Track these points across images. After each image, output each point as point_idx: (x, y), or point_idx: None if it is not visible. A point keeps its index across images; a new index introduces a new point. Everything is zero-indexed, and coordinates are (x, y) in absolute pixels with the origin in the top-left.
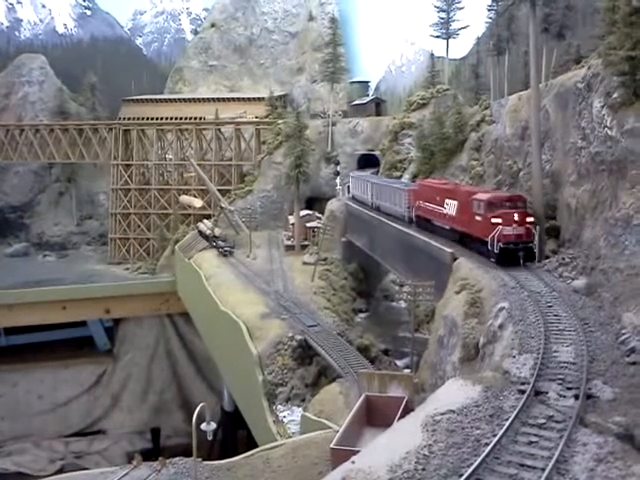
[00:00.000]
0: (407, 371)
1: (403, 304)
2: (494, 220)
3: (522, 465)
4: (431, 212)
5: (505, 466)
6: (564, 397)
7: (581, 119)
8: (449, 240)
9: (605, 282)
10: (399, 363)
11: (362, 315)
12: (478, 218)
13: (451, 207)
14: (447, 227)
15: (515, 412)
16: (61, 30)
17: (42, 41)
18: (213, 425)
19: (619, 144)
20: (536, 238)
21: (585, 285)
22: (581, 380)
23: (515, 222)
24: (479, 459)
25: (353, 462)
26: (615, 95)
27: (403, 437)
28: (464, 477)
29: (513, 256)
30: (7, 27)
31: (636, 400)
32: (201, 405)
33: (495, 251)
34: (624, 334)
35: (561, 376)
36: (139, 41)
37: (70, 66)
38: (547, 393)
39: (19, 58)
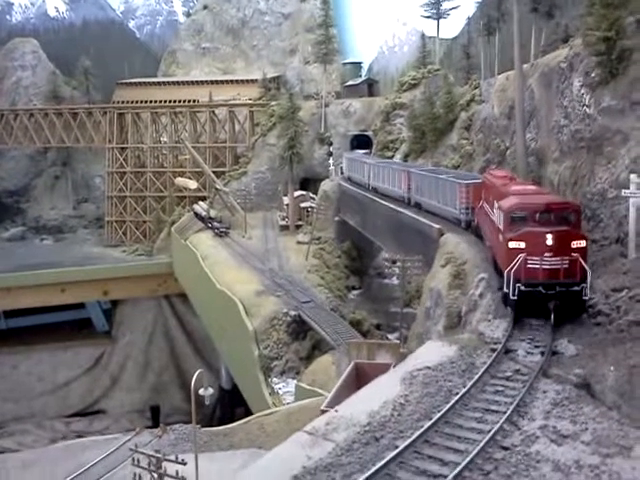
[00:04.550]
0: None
1: (395, 281)
2: (512, 244)
3: (487, 409)
4: (483, 218)
5: (472, 411)
6: (531, 354)
7: (563, 98)
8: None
9: None
10: (390, 337)
11: (355, 292)
12: (500, 237)
13: (496, 213)
14: (488, 243)
15: (485, 367)
16: (53, 14)
17: (34, 25)
18: (210, 390)
19: (596, 122)
20: (588, 276)
21: None
22: (548, 340)
23: (548, 248)
24: (448, 405)
25: (336, 411)
26: (593, 74)
27: (382, 390)
28: (434, 419)
29: (541, 306)
30: None
31: (595, 355)
32: (199, 371)
33: (512, 295)
34: (592, 298)
35: (530, 337)
36: (131, 24)
37: (63, 50)
38: (516, 351)
39: (11, 42)
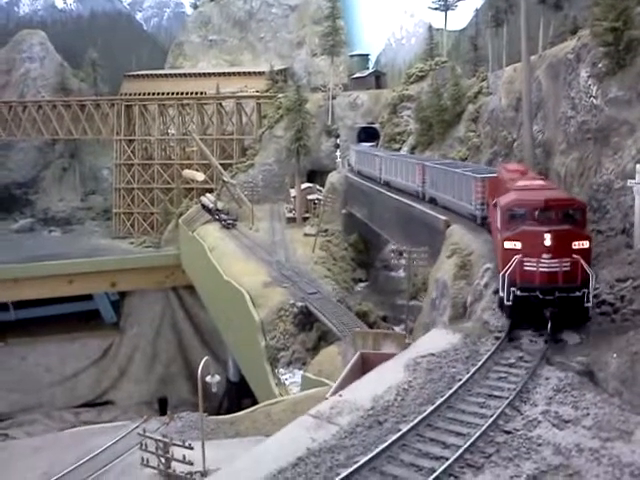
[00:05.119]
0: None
1: (402, 274)
2: (508, 244)
3: (490, 395)
4: (493, 214)
5: (475, 396)
6: (535, 342)
7: (571, 89)
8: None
9: None
10: (396, 329)
11: (362, 284)
12: (498, 236)
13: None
14: (493, 243)
15: (489, 354)
16: (60, 5)
17: (41, 17)
18: (217, 377)
19: (603, 113)
20: (592, 281)
21: None
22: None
23: (547, 249)
24: (451, 391)
25: (340, 395)
26: (600, 65)
27: (387, 375)
28: (437, 404)
29: (538, 313)
30: (6, 3)
31: (599, 344)
32: (205, 359)
33: (506, 300)
34: (597, 288)
35: (535, 325)
36: (139, 16)
37: (70, 42)
38: (520, 339)
39: (19, 34)
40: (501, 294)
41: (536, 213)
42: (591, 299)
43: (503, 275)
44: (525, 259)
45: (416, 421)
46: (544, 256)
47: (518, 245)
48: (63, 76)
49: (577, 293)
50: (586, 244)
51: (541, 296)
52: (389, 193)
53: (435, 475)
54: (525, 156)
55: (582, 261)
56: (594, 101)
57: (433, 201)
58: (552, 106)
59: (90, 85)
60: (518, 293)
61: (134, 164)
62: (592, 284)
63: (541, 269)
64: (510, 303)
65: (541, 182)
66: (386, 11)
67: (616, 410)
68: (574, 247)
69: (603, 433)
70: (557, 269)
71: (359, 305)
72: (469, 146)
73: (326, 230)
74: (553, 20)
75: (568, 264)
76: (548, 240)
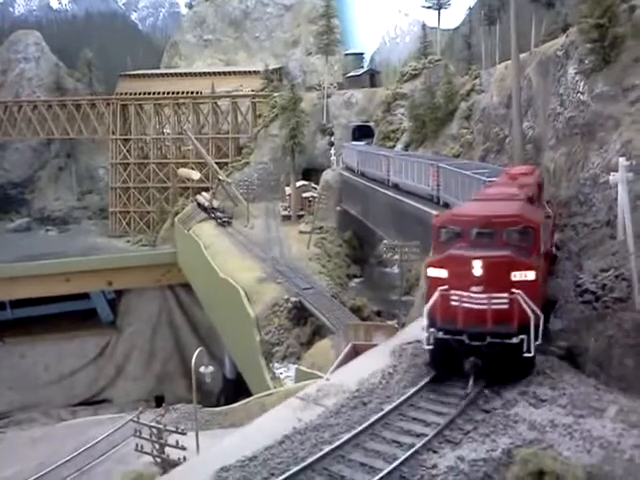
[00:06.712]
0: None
1: (396, 270)
2: (432, 272)
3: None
4: None
5: (457, 379)
6: None
7: (559, 86)
8: None
9: (574, 236)
10: (390, 323)
11: (356, 280)
12: None
13: None
14: None
15: None
16: (55, 6)
17: (37, 17)
18: (211, 368)
19: (589, 108)
20: (533, 324)
21: (557, 240)
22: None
23: (477, 281)
24: (434, 373)
25: (327, 379)
26: (587, 61)
27: (373, 361)
28: (419, 385)
29: (460, 362)
30: (1, 3)
31: (579, 330)
32: (199, 349)
33: (426, 344)
34: (581, 278)
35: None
36: (134, 16)
37: (66, 42)
38: None
39: (14, 34)
40: (424, 334)
41: (473, 233)
42: (533, 348)
43: (426, 310)
44: (451, 292)
45: (399, 401)
46: (473, 289)
47: (443, 273)
48: (58, 76)
49: (514, 340)
50: (530, 275)
51: (468, 341)
52: (382, 190)
53: (414, 449)
54: (514, 152)
55: (522, 298)
56: (581, 97)
57: (447, 206)
58: (542, 102)
59: (86, 85)
60: (439, 335)
61: (130, 163)
62: (536, 328)
63: (465, 305)
64: (431, 347)
65: (514, 191)
66: (380, 10)
67: (591, 389)
68: (513, 279)
69: (577, 410)
70: (486, 307)
71: (353, 300)
72: (462, 143)
73: (321, 227)
74: (545, 18)
75: (503, 301)
76: (478, 269)
